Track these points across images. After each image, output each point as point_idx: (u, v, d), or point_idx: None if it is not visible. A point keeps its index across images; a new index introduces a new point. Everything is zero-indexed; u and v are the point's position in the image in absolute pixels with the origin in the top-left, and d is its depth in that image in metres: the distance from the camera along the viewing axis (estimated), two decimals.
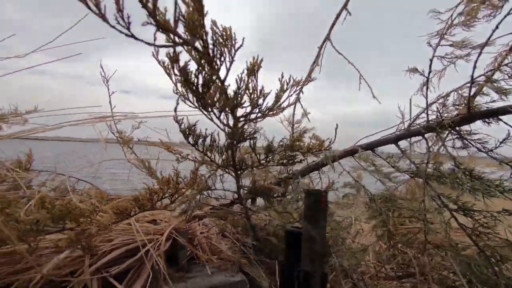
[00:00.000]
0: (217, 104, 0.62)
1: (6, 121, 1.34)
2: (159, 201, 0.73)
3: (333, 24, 1.44)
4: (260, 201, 1.27)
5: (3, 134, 1.33)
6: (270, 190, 0.77)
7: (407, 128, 1.21)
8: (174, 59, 0.58)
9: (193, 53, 0.53)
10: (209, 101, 0.61)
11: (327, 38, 1.17)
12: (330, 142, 0.70)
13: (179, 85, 0.63)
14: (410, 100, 1.29)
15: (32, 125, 1.45)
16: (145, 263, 0.94)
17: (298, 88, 0.63)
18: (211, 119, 0.69)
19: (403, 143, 1.20)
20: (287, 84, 0.62)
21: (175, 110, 0.70)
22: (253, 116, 0.66)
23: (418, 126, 1.19)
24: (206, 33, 0.51)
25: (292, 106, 1.41)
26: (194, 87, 0.58)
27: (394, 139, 1.16)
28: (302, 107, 1.32)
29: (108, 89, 1.54)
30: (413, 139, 1.30)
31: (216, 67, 0.53)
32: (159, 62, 0.59)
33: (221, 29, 0.55)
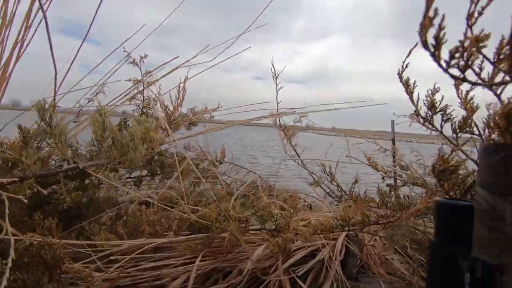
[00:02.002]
0: None
1: (201, 116, 1.62)
2: (367, 226, 0.69)
3: None
4: None
5: (198, 131, 1.62)
6: None
7: None
8: None
9: None
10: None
11: None
12: None
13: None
14: None
15: (217, 119, 1.70)
16: (326, 267, 0.95)
17: None
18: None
19: None
20: None
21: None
22: None
23: None
24: None
25: None
26: None
27: None
28: None
29: (276, 85, 1.63)
30: None
31: None
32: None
33: None
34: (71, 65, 1.16)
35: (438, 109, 0.61)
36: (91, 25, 1.13)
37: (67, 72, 1.14)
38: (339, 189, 1.10)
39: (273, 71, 1.58)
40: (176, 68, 1.43)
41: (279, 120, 1.59)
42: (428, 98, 0.63)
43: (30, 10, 0.85)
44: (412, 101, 0.65)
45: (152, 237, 0.90)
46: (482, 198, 0.37)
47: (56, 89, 0.87)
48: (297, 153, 1.91)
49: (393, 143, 3.88)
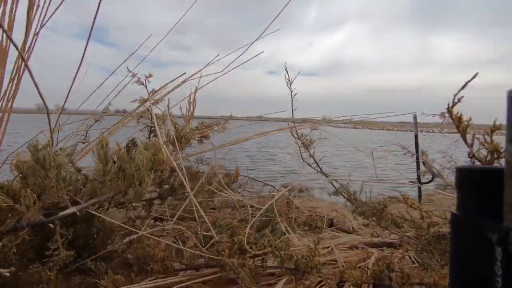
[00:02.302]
0: None
1: (212, 129, 1.55)
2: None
3: None
4: None
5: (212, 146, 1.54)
6: None
7: None
8: None
9: None
10: None
11: None
12: None
13: None
14: None
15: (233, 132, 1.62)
16: None
17: None
18: None
19: None
20: None
21: None
22: None
23: None
24: None
25: None
26: None
27: None
28: None
29: (291, 93, 1.52)
30: None
31: None
32: None
33: None
34: (78, 69, 1.11)
35: (502, 154, 0.50)
36: (91, 30, 1.06)
37: (74, 78, 1.09)
38: (365, 214, 1.00)
39: (287, 77, 1.48)
40: (184, 82, 1.35)
41: (296, 131, 1.49)
42: (486, 137, 0.51)
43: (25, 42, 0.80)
44: (466, 141, 0.54)
45: (162, 273, 0.84)
46: (510, 154, 0.29)
47: (52, 127, 0.81)
48: (316, 162, 1.80)
49: (416, 140, 3.67)
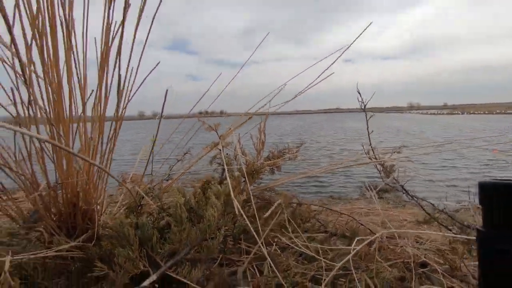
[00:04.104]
0: None
1: (284, 159, 1.51)
2: None
3: None
4: None
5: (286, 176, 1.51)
6: None
7: None
8: None
9: None
10: None
11: None
12: None
13: None
14: None
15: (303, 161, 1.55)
16: None
17: None
18: None
19: None
20: None
21: None
22: None
23: None
24: None
25: None
26: None
27: None
28: None
29: (368, 134, 1.36)
30: None
31: None
32: None
33: None
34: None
35: None
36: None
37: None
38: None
39: (360, 99, 1.33)
40: (249, 118, 1.35)
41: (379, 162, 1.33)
42: None
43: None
44: None
45: None
46: None
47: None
48: (402, 187, 1.59)
49: None
